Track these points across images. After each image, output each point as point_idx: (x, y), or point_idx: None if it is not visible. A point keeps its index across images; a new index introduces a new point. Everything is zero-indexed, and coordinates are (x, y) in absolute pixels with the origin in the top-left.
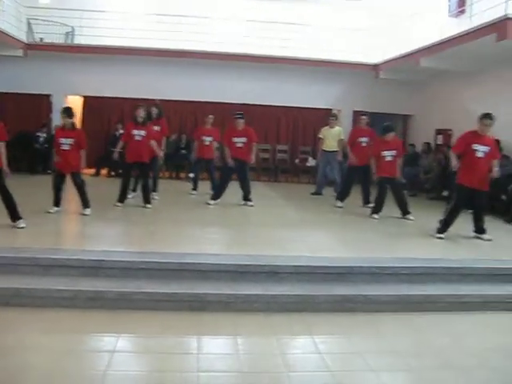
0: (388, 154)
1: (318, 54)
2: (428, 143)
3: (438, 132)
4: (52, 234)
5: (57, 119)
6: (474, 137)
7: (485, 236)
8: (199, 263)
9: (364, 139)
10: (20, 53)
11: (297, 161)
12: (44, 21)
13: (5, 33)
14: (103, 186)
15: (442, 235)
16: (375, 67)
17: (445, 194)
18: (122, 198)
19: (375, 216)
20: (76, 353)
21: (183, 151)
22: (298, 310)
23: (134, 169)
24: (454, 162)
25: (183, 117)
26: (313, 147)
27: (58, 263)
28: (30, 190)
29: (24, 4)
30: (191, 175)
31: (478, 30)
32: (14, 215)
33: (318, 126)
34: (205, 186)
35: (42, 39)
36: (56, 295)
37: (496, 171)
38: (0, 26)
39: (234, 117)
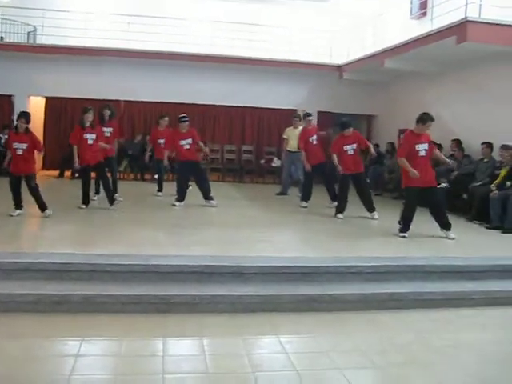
0: (349, 148)
1: (283, 55)
2: (392, 143)
3: (402, 132)
4: (14, 237)
5: None
6: (414, 137)
7: (450, 234)
8: (164, 265)
9: (314, 137)
10: None
11: (262, 161)
12: (5, 20)
13: None
14: (67, 187)
15: (405, 234)
16: (339, 68)
17: None
18: (85, 200)
19: (340, 216)
20: (40, 358)
21: (149, 153)
22: (264, 311)
23: (89, 172)
24: (411, 170)
25: (148, 118)
26: (278, 148)
27: (20, 267)
28: None
29: None
30: (156, 176)
31: (439, 32)
32: None
33: (283, 126)
34: (170, 188)
35: (2, 38)
36: (19, 299)
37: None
38: None
39: (178, 120)
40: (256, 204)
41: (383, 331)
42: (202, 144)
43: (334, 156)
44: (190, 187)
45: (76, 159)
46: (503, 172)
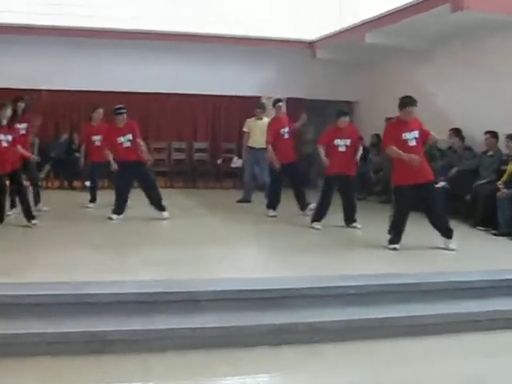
0: (341, 143)
1: (242, 30)
2: (377, 135)
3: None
4: None
5: None
6: (400, 125)
7: (450, 245)
8: (99, 294)
9: (285, 129)
10: None
11: (219, 161)
12: None
13: None
14: None
15: (395, 245)
16: (311, 45)
17: None
18: None
19: (316, 226)
20: None
21: (77, 154)
22: (224, 346)
23: (4, 180)
24: (405, 155)
25: (75, 111)
26: (238, 144)
27: None
28: None
29: None
30: (87, 184)
31: None
32: None
33: (244, 117)
34: (106, 197)
35: None
36: None
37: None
38: None
39: (114, 113)
40: (214, 214)
41: (372, 365)
42: (141, 143)
43: (321, 150)
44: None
45: None
46: (510, 166)
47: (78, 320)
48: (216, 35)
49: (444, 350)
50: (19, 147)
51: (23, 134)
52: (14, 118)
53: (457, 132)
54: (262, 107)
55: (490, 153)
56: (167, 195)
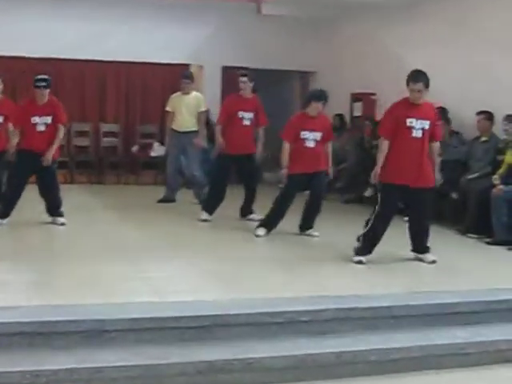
0: (310, 137)
1: None
2: (341, 115)
3: (356, 98)
4: None
5: None
6: (407, 108)
7: (428, 257)
8: None
9: (247, 115)
10: None
11: (134, 149)
12: None
13: None
14: None
15: (362, 258)
16: None
17: (368, 193)
18: None
19: (260, 232)
20: None
21: None
22: None
23: None
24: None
25: None
26: (160, 126)
27: None
28: None
29: None
30: None
31: None
32: None
33: (169, 92)
34: None
35: None
36: None
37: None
38: None
39: (34, 84)
40: (127, 218)
41: None
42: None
43: (286, 146)
44: None
45: None
46: (509, 156)
47: None
48: None
49: None
50: None
51: None
52: None
53: (441, 112)
54: (190, 77)
55: (483, 139)
56: (65, 193)
